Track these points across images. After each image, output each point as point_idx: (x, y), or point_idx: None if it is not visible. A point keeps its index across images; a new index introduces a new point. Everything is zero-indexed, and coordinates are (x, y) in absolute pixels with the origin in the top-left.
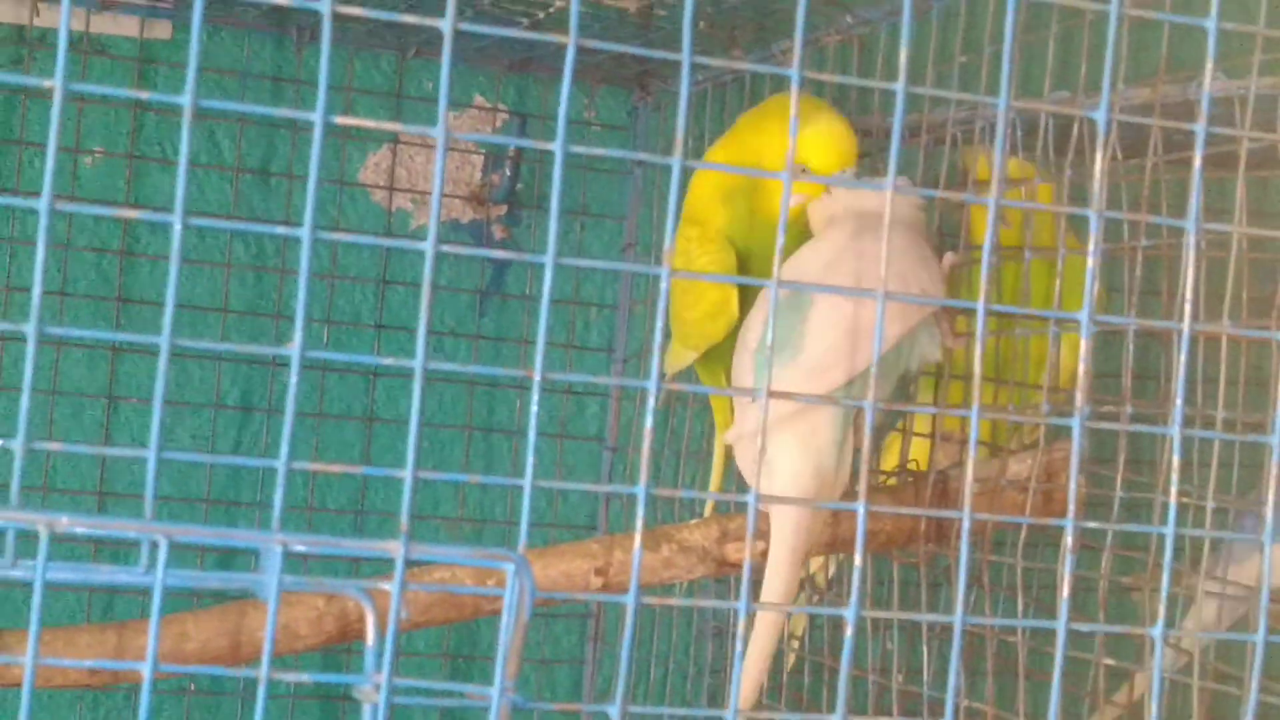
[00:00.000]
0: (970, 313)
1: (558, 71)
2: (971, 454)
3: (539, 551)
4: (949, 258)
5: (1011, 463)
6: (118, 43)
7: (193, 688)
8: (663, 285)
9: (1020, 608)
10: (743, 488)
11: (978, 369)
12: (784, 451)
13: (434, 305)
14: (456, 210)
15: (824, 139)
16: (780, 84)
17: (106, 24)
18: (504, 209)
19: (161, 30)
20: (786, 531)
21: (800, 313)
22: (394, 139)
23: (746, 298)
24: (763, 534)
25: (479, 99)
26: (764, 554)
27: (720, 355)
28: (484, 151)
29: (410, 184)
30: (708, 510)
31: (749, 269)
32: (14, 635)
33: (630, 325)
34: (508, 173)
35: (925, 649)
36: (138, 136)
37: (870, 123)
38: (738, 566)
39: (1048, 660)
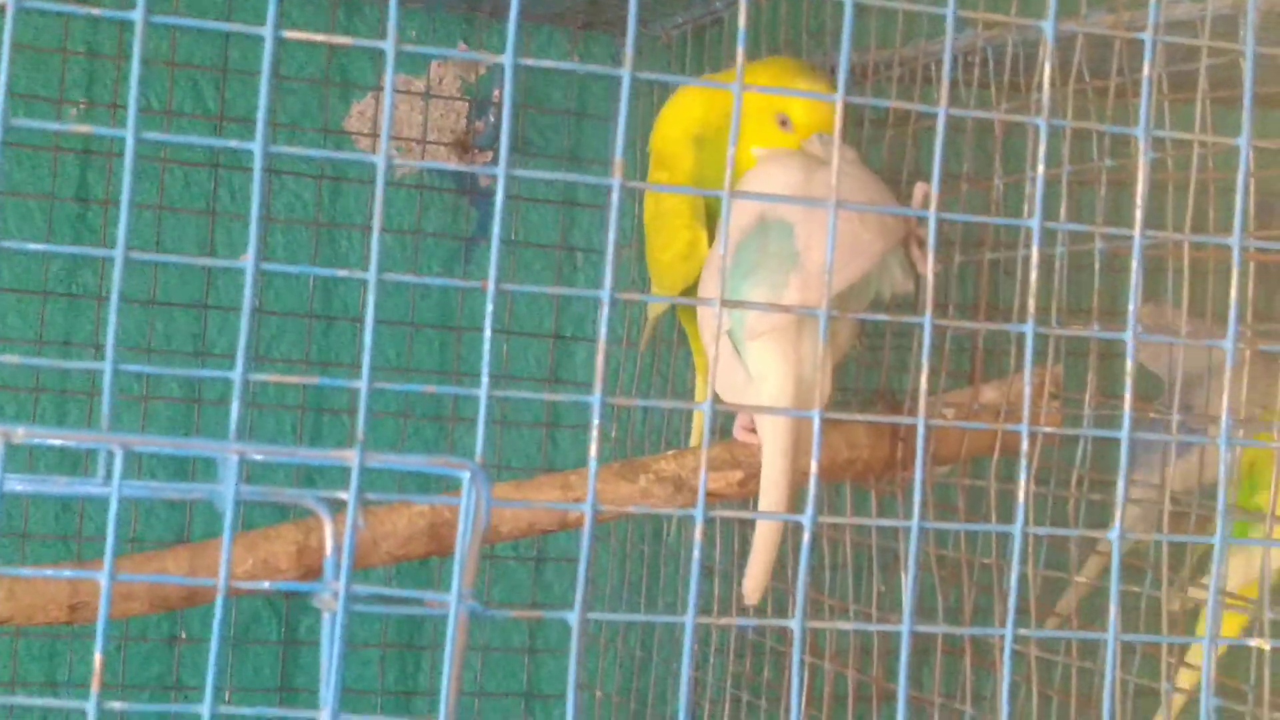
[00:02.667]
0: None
1: (539, 18)
2: (924, 366)
3: (516, 484)
4: (921, 187)
5: (985, 389)
6: None
7: (184, 635)
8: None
9: (984, 525)
10: (729, 419)
11: (930, 279)
12: (769, 369)
13: (420, 252)
14: (441, 157)
15: (813, 101)
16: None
17: None
18: (489, 155)
19: None
20: (777, 444)
21: (789, 239)
22: (378, 87)
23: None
24: (737, 463)
25: (462, 45)
26: (740, 484)
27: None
28: (469, 99)
29: (395, 131)
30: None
31: (718, 215)
32: None
33: (621, 271)
34: (492, 119)
35: (904, 577)
36: (121, 87)
37: (829, 60)
38: (716, 496)
39: (1061, 586)
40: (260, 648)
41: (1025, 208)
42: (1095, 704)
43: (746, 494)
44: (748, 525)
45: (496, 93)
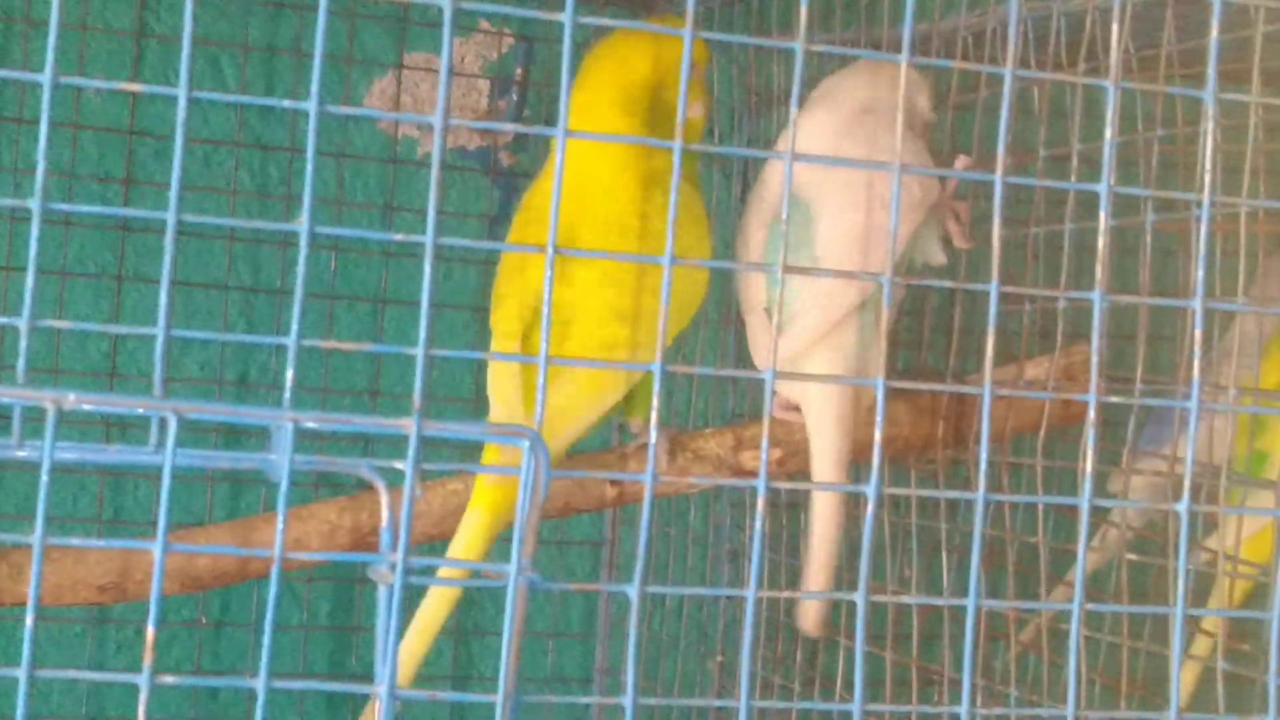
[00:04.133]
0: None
1: None
2: (991, 335)
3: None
4: (962, 159)
5: (1029, 366)
6: None
7: (203, 620)
8: (558, 152)
9: (1040, 510)
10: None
11: (997, 248)
12: (814, 359)
13: (442, 232)
14: (463, 137)
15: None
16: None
17: None
18: (511, 135)
19: None
20: (826, 423)
21: (808, 227)
22: (399, 64)
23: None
24: (777, 441)
25: (484, 23)
26: (779, 461)
27: None
28: (490, 77)
29: (416, 110)
30: None
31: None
32: (21, 553)
33: None
34: (514, 98)
35: (944, 558)
36: (141, 65)
37: (881, 35)
38: (753, 474)
39: (1071, 560)
40: (281, 634)
41: (1072, 179)
42: (1137, 682)
43: (786, 472)
44: (779, 506)
45: (519, 71)
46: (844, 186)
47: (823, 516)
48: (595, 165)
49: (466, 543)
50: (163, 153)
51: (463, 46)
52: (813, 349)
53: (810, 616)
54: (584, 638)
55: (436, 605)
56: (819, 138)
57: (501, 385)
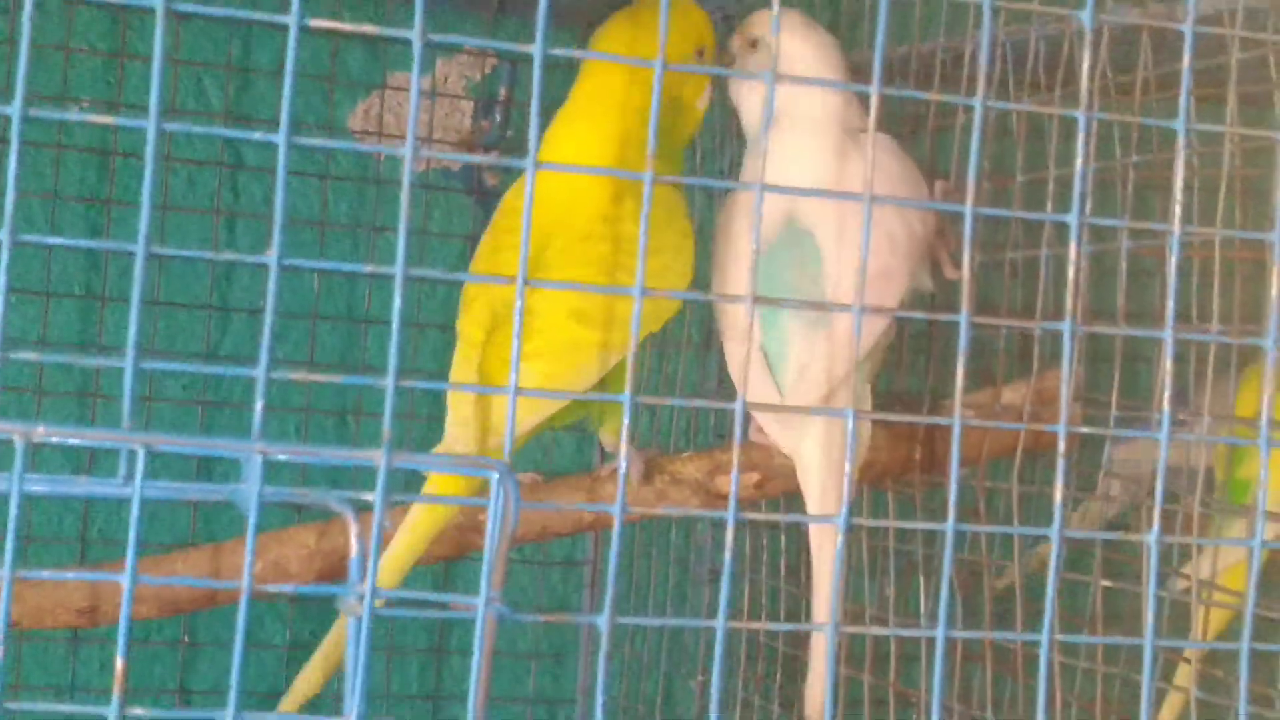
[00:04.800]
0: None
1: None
2: (960, 366)
3: (537, 485)
4: (941, 184)
5: (1005, 390)
6: None
7: (186, 640)
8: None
9: (1016, 537)
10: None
11: (968, 278)
12: (811, 427)
13: (425, 253)
14: None
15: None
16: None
17: None
18: (495, 154)
19: None
20: (822, 472)
21: (815, 264)
22: (382, 85)
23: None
24: (754, 465)
25: (467, 44)
26: (757, 485)
27: None
28: (474, 98)
29: (400, 130)
30: None
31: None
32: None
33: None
34: (498, 118)
35: (921, 580)
36: (125, 85)
37: (861, 57)
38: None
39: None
40: (264, 652)
41: (1049, 207)
42: (1112, 706)
43: (762, 496)
44: (760, 526)
45: (502, 91)
46: (847, 215)
47: (823, 560)
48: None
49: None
50: (144, 172)
51: (446, 67)
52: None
53: (813, 704)
54: (565, 659)
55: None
56: (813, 161)
57: (457, 399)
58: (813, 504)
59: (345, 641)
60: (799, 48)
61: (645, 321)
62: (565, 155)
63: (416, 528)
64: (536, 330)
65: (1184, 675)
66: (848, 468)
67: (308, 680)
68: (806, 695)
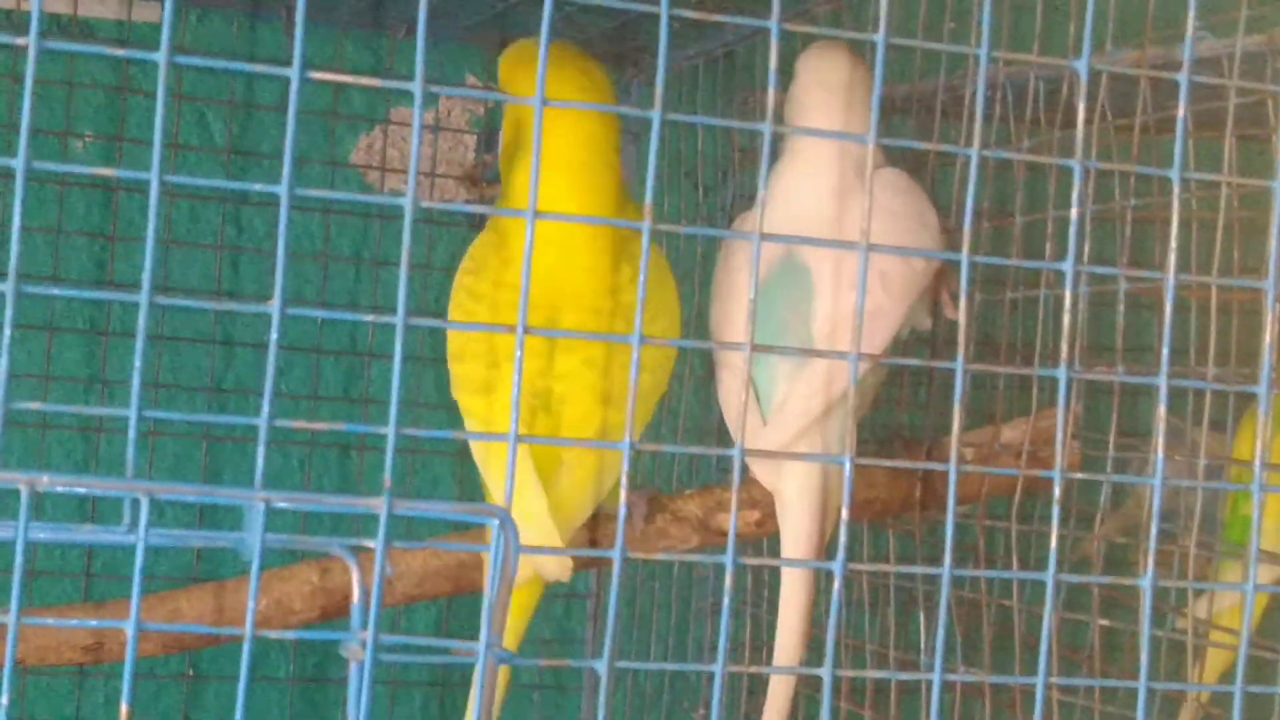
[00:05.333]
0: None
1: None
2: (957, 410)
3: None
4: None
5: (1005, 429)
6: (104, 25)
7: (191, 673)
8: (527, 234)
9: (1015, 572)
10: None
11: (963, 324)
12: (795, 448)
13: (427, 288)
14: (450, 191)
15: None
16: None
17: (93, 6)
18: (498, 188)
19: (150, 13)
20: (799, 513)
21: (807, 302)
22: (385, 120)
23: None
24: (755, 503)
25: (470, 78)
26: (758, 523)
27: None
28: (477, 132)
29: (403, 164)
30: None
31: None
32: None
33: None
34: (500, 152)
35: (922, 616)
36: (128, 120)
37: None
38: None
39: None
40: (268, 685)
41: (1048, 247)
42: None
43: (763, 534)
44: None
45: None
46: (847, 256)
47: (789, 602)
48: (573, 240)
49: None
50: (148, 207)
51: (449, 101)
52: (796, 439)
53: None
54: (568, 690)
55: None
56: (816, 198)
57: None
58: (788, 540)
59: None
60: (808, 88)
61: (649, 393)
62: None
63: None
64: (569, 420)
65: (1190, 715)
66: (844, 513)
67: None
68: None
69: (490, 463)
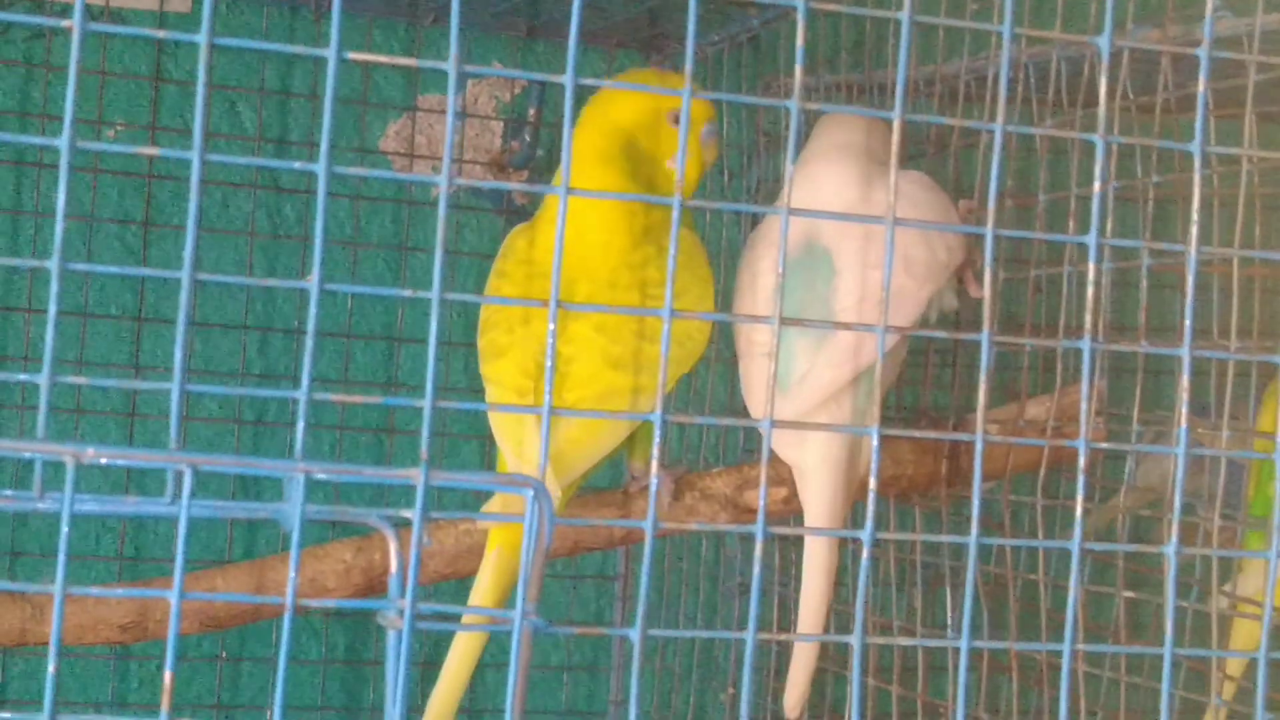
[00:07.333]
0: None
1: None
2: (983, 381)
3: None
4: (964, 203)
5: (1030, 405)
6: (137, 15)
7: (223, 655)
8: (560, 209)
9: (1041, 541)
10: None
11: (989, 298)
12: (815, 420)
13: (455, 272)
14: (477, 176)
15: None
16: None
17: None
18: (524, 175)
19: (180, 4)
20: (821, 487)
21: (829, 281)
22: (413, 107)
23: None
24: (782, 480)
25: (497, 65)
26: (784, 500)
27: None
28: (504, 118)
29: (431, 151)
30: None
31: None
32: (45, 595)
33: None
34: (527, 138)
35: (948, 592)
36: (159, 109)
37: (886, 77)
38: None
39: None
40: (300, 666)
41: (1070, 225)
42: (1136, 717)
43: (790, 511)
44: (789, 540)
45: (532, 111)
46: (869, 239)
47: (812, 569)
48: (588, 217)
49: (490, 582)
50: (180, 194)
51: (476, 88)
52: (816, 412)
53: (792, 696)
54: (598, 671)
55: (461, 653)
56: (841, 186)
57: (510, 432)
58: (810, 512)
59: (463, 659)
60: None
61: (675, 364)
62: (580, 209)
63: (507, 546)
64: (575, 380)
65: (1228, 692)
66: (872, 483)
67: (440, 704)
68: (786, 695)
69: (498, 418)
